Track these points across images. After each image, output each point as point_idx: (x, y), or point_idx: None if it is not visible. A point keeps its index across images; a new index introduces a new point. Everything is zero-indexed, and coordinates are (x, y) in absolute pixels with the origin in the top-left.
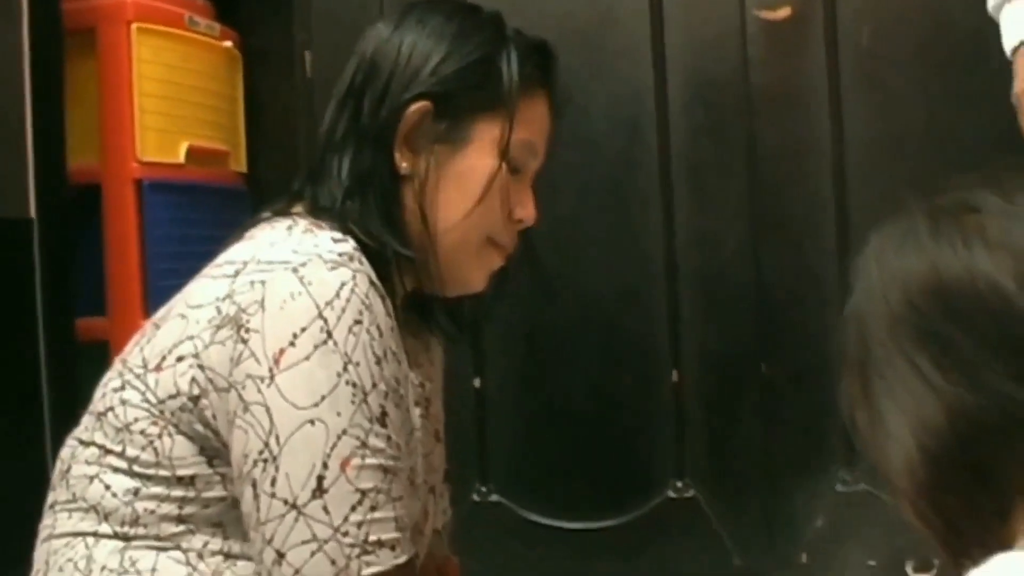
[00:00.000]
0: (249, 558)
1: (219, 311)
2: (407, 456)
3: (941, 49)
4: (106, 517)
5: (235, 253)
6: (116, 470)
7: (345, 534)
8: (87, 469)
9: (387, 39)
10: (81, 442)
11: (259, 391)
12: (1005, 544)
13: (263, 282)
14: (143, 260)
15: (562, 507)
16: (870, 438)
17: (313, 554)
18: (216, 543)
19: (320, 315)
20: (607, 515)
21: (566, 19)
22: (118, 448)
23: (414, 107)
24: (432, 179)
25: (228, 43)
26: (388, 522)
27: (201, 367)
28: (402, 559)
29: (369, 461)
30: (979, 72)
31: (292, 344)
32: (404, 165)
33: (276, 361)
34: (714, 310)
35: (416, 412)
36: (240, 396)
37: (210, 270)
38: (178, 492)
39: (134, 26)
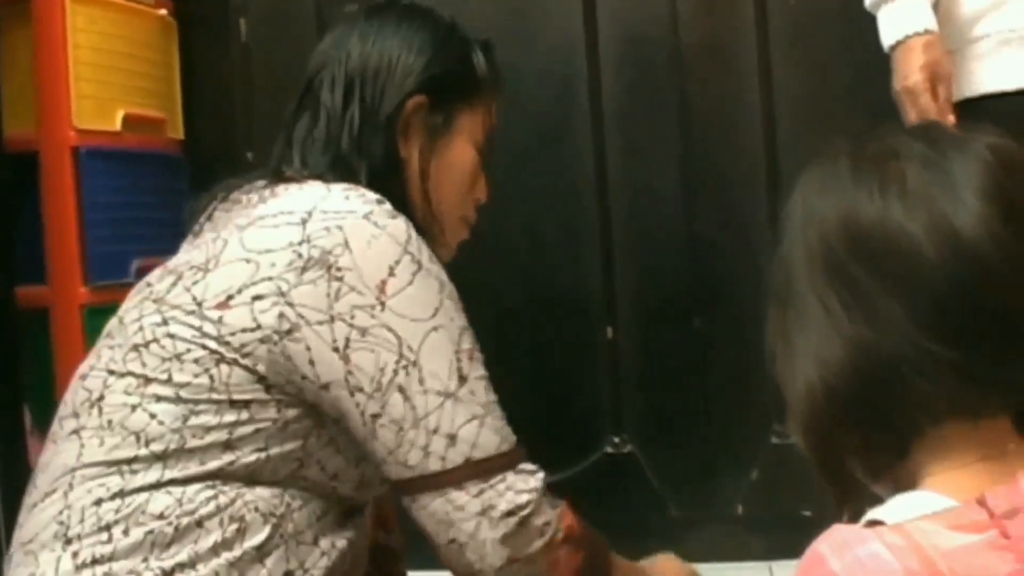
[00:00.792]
0: (274, 483)
1: (299, 255)
2: None
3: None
4: (148, 443)
5: (286, 205)
6: (160, 399)
7: (492, 409)
8: (126, 399)
9: (370, 38)
10: (112, 372)
11: (372, 316)
12: (902, 484)
13: (340, 227)
14: (81, 227)
15: None
16: (782, 370)
17: (480, 427)
18: (256, 463)
19: (406, 250)
20: (546, 472)
21: None
22: (162, 376)
23: (412, 100)
24: (429, 165)
25: (163, 11)
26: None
27: (291, 304)
28: None
29: (479, 353)
30: None
31: (392, 275)
32: (402, 152)
33: (382, 290)
34: (647, 267)
35: None
36: (350, 324)
37: (261, 221)
38: (230, 417)
39: None
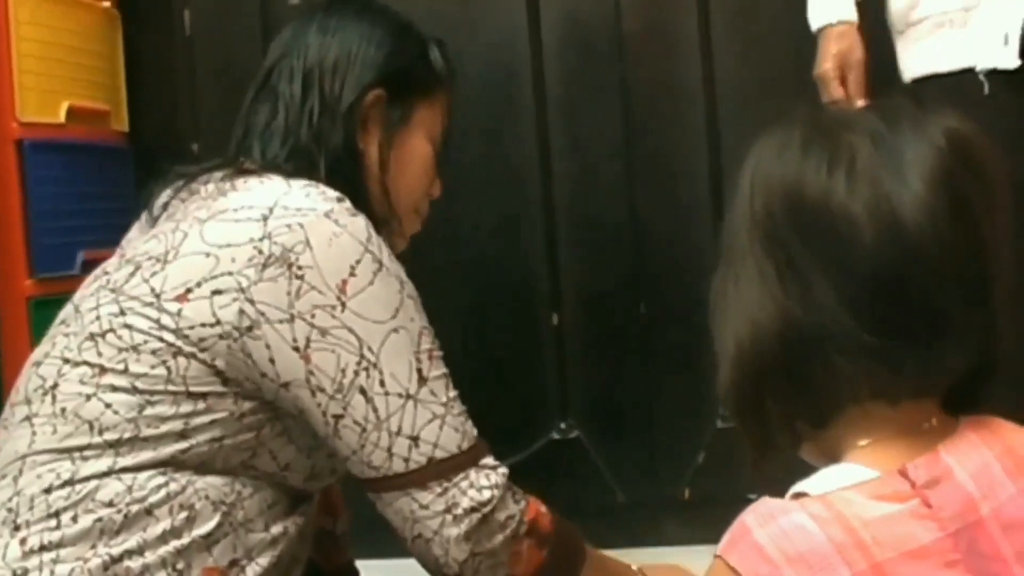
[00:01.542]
0: (225, 472)
1: (260, 251)
2: None
3: None
4: (101, 431)
5: (247, 200)
6: (116, 389)
7: (452, 408)
8: (81, 388)
9: (329, 31)
10: (67, 361)
11: (333, 316)
12: (823, 452)
13: (301, 224)
14: (26, 220)
15: None
16: (718, 326)
17: (441, 427)
18: (209, 452)
19: (367, 249)
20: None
21: None
22: (119, 367)
23: (372, 93)
24: (388, 157)
25: (107, 3)
26: (464, 400)
27: (251, 301)
28: None
29: (438, 352)
30: None
31: (353, 274)
32: (361, 144)
33: (342, 290)
34: (592, 252)
35: None
36: (311, 324)
37: (222, 214)
38: (186, 407)
39: None
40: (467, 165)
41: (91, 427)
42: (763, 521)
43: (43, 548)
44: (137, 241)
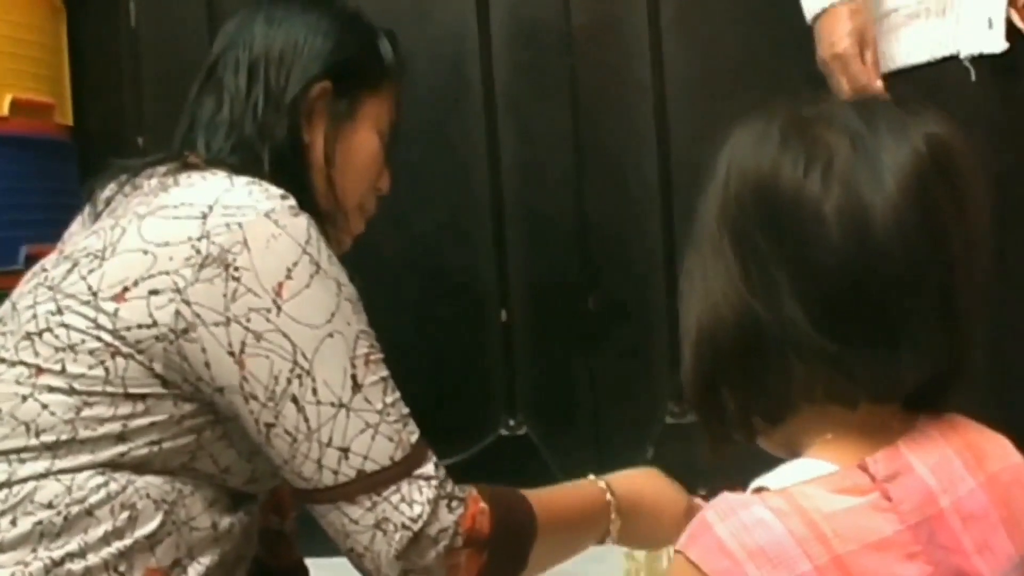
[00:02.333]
0: (164, 472)
1: (197, 251)
2: None
3: None
4: (38, 433)
5: (187, 196)
6: (52, 389)
7: (388, 415)
8: (17, 388)
9: (275, 21)
10: (2, 360)
11: (268, 320)
12: (785, 446)
13: (239, 224)
14: None
15: None
16: (684, 311)
17: (373, 438)
18: (148, 455)
19: (305, 250)
20: (440, 455)
21: None
22: (56, 367)
23: (318, 85)
24: (333, 150)
25: None
26: (401, 399)
27: (187, 302)
28: None
29: (377, 355)
30: (794, 10)
31: (289, 277)
32: (306, 137)
33: (278, 293)
34: (540, 247)
35: None
36: (246, 328)
37: (161, 211)
38: (125, 409)
39: None
40: (414, 159)
41: (27, 429)
42: (723, 515)
43: None
44: (77, 236)
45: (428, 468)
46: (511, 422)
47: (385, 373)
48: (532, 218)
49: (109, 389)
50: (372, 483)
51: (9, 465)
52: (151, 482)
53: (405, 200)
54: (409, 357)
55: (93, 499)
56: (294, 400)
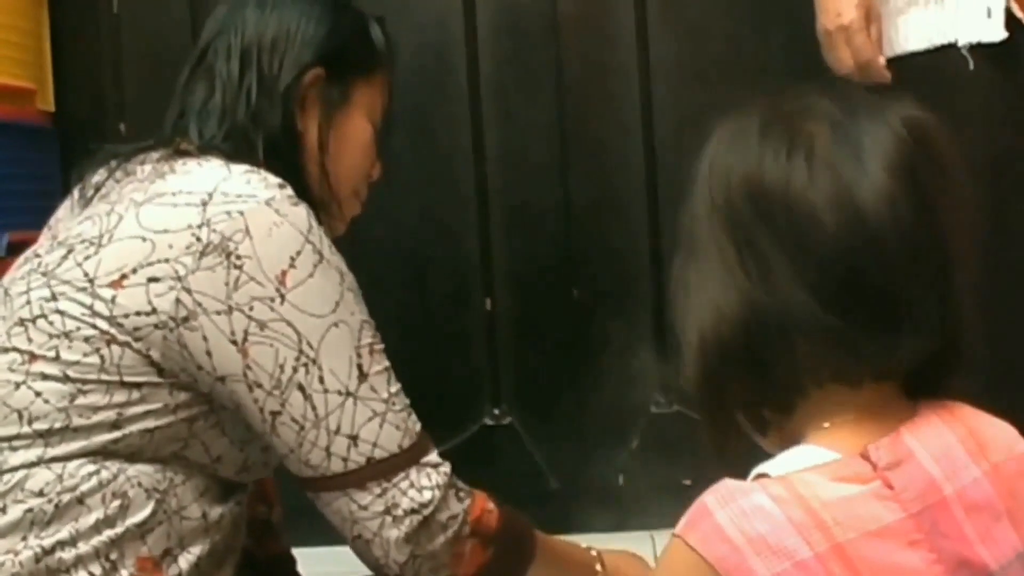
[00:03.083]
0: (156, 460)
1: (198, 239)
2: None
3: None
4: (31, 421)
5: (185, 184)
6: (46, 377)
7: (393, 404)
8: (10, 375)
9: (267, 7)
10: None
11: (271, 309)
12: (788, 440)
13: (241, 212)
14: None
15: None
16: (680, 318)
17: (381, 426)
18: (140, 443)
19: (307, 239)
20: None
21: None
22: (49, 354)
23: (311, 72)
24: (327, 137)
25: None
26: (402, 389)
27: (188, 290)
28: None
29: (379, 345)
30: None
31: (292, 266)
32: (299, 124)
33: (281, 282)
34: (524, 236)
35: None
36: (249, 316)
37: (159, 198)
38: (120, 397)
39: None
40: (399, 148)
41: (20, 416)
42: (723, 502)
43: None
44: (69, 221)
45: (434, 457)
46: (495, 411)
47: (387, 363)
48: (517, 207)
49: (104, 377)
50: (382, 470)
51: (0, 453)
52: (143, 470)
53: (390, 189)
54: (393, 346)
55: (84, 487)
56: (300, 388)
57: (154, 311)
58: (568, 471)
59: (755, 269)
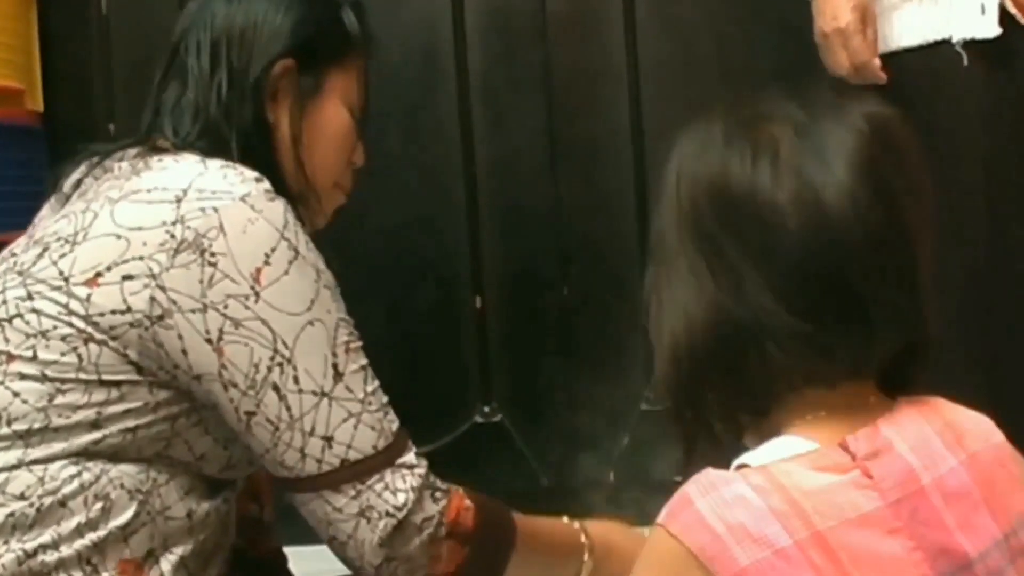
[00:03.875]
0: (139, 460)
1: (172, 236)
2: None
3: None
4: (10, 422)
5: (160, 180)
6: (24, 377)
7: (369, 404)
8: None
9: (235, 4)
10: None
11: (246, 307)
12: (766, 437)
13: (215, 208)
14: None
15: None
16: (653, 326)
17: (356, 427)
18: (122, 442)
19: (283, 236)
20: (415, 443)
21: None
22: (27, 353)
23: (280, 64)
24: (300, 129)
25: None
26: (380, 387)
27: (162, 288)
28: None
29: (356, 343)
30: (769, 1)
31: (267, 263)
32: (271, 117)
33: (256, 279)
34: (514, 235)
35: None
36: (224, 315)
37: (134, 195)
38: (99, 396)
39: None
40: (390, 147)
41: None
42: (705, 491)
43: None
44: (47, 221)
45: (410, 457)
46: (486, 409)
47: (365, 361)
48: (507, 206)
49: (83, 376)
50: (356, 472)
51: None
52: (125, 471)
53: (378, 189)
54: (383, 345)
55: (66, 490)
56: (275, 388)
57: (129, 309)
58: (559, 468)
59: (724, 276)
